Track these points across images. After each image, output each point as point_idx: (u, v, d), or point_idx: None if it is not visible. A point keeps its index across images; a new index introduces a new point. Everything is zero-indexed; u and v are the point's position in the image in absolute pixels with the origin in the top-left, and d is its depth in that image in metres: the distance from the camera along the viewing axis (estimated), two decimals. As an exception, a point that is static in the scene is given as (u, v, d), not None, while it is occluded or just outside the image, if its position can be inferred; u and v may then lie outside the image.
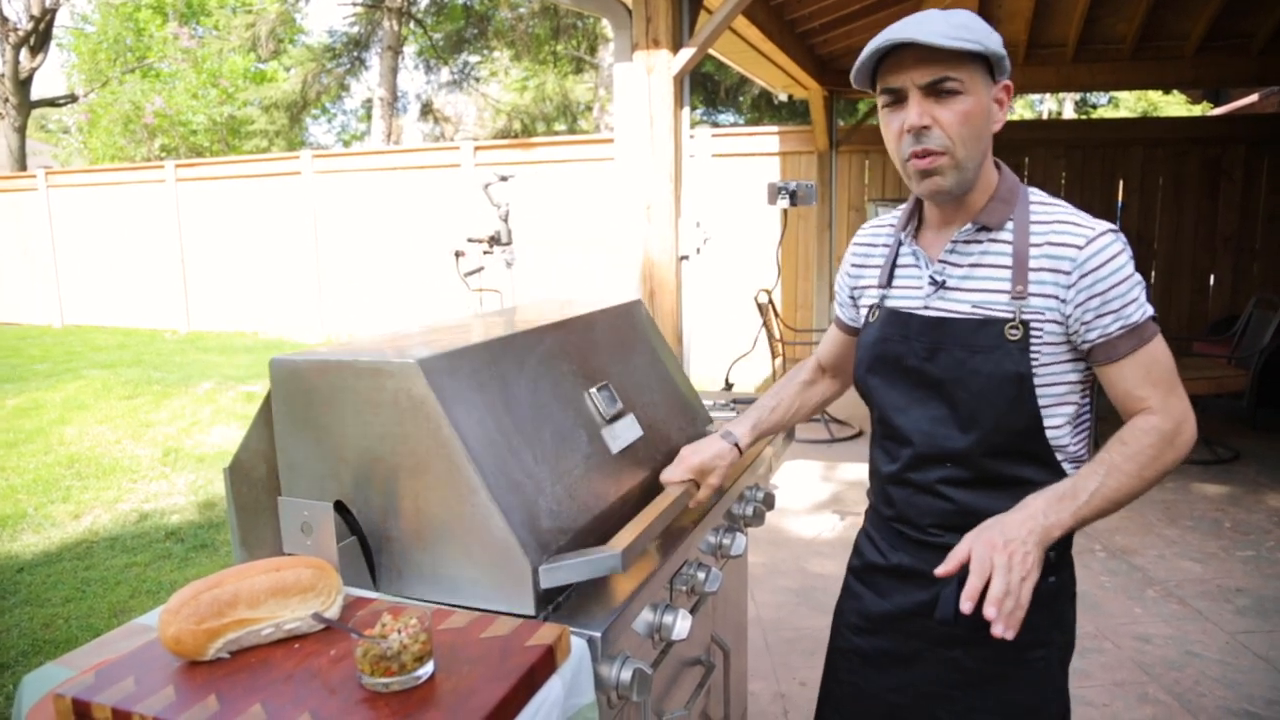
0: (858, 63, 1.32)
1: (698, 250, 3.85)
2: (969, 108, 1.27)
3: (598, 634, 1.23)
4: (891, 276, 1.48)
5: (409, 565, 1.32)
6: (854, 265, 1.58)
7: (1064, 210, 1.34)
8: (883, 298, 1.48)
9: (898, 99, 1.30)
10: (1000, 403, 1.33)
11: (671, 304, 3.73)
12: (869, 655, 1.60)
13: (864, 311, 1.54)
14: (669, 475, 1.60)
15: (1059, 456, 1.40)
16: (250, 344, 10.22)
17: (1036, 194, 1.38)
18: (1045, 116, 19.12)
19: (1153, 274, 7.55)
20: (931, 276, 1.40)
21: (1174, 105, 16.65)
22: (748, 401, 2.72)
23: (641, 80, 3.57)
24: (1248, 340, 5.60)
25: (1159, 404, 1.30)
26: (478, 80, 17.83)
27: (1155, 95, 17.09)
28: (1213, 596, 3.55)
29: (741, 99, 15.92)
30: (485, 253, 3.84)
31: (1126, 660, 3.08)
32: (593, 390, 1.64)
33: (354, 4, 15.46)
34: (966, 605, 1.15)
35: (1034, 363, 1.31)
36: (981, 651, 1.44)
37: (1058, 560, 1.44)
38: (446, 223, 9.61)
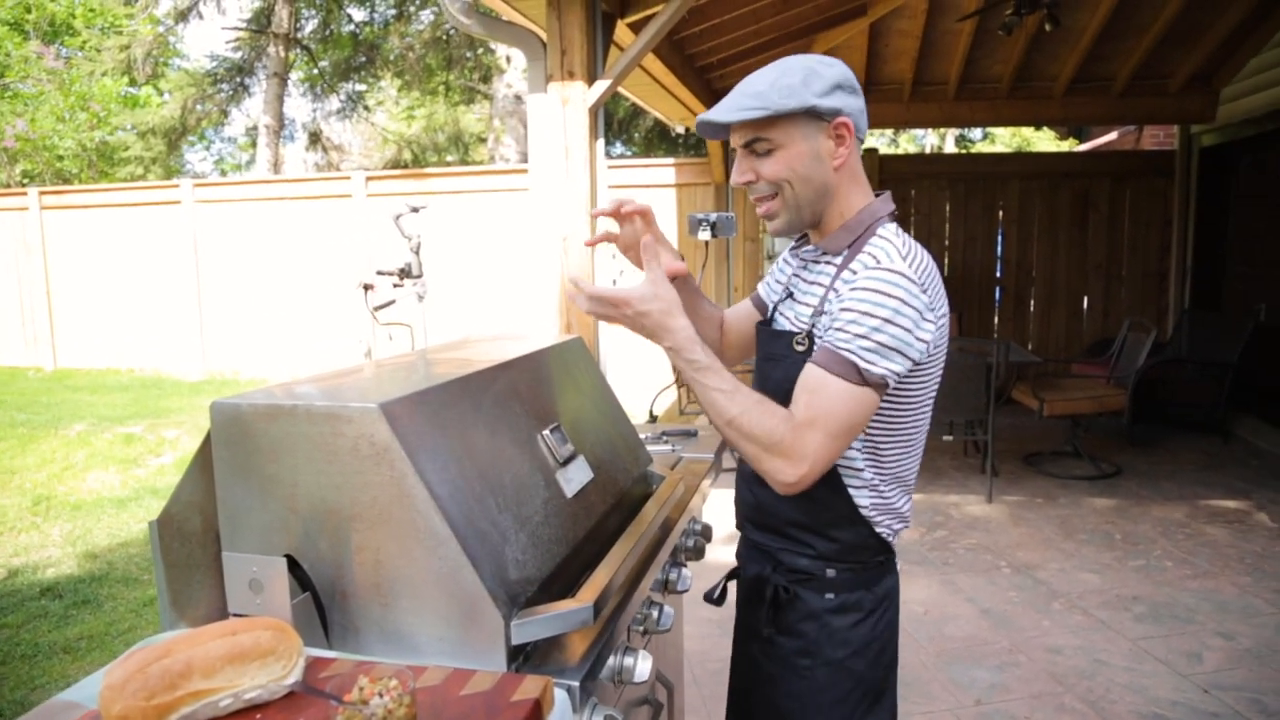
0: (697, 129, 1.44)
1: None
2: (788, 155, 1.36)
3: (575, 683, 1.18)
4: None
5: (367, 622, 1.24)
6: (783, 260, 1.69)
7: (886, 247, 1.35)
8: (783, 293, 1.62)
9: (736, 154, 1.45)
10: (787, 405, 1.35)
11: (590, 337, 3.70)
12: (734, 639, 1.76)
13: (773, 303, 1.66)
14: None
15: (844, 475, 1.43)
16: (125, 382, 9.64)
17: (887, 231, 1.40)
18: (928, 150, 20.06)
19: (1032, 301, 7.97)
20: (786, 286, 1.57)
21: (1044, 141, 17.71)
22: (677, 433, 2.71)
23: (556, 111, 3.56)
24: (1124, 361, 5.96)
25: (800, 420, 1.29)
26: (368, 109, 17.47)
27: (1028, 131, 18.16)
28: (1112, 606, 3.73)
29: (634, 131, 16.10)
30: (395, 285, 3.72)
31: (1041, 672, 3.20)
32: (545, 432, 1.59)
33: (237, 29, 14.93)
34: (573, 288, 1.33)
35: None
36: (766, 648, 1.55)
37: (837, 580, 1.48)
38: (338, 255, 9.34)
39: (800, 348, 1.40)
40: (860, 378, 1.28)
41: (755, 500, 1.57)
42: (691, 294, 1.69)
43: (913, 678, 3.17)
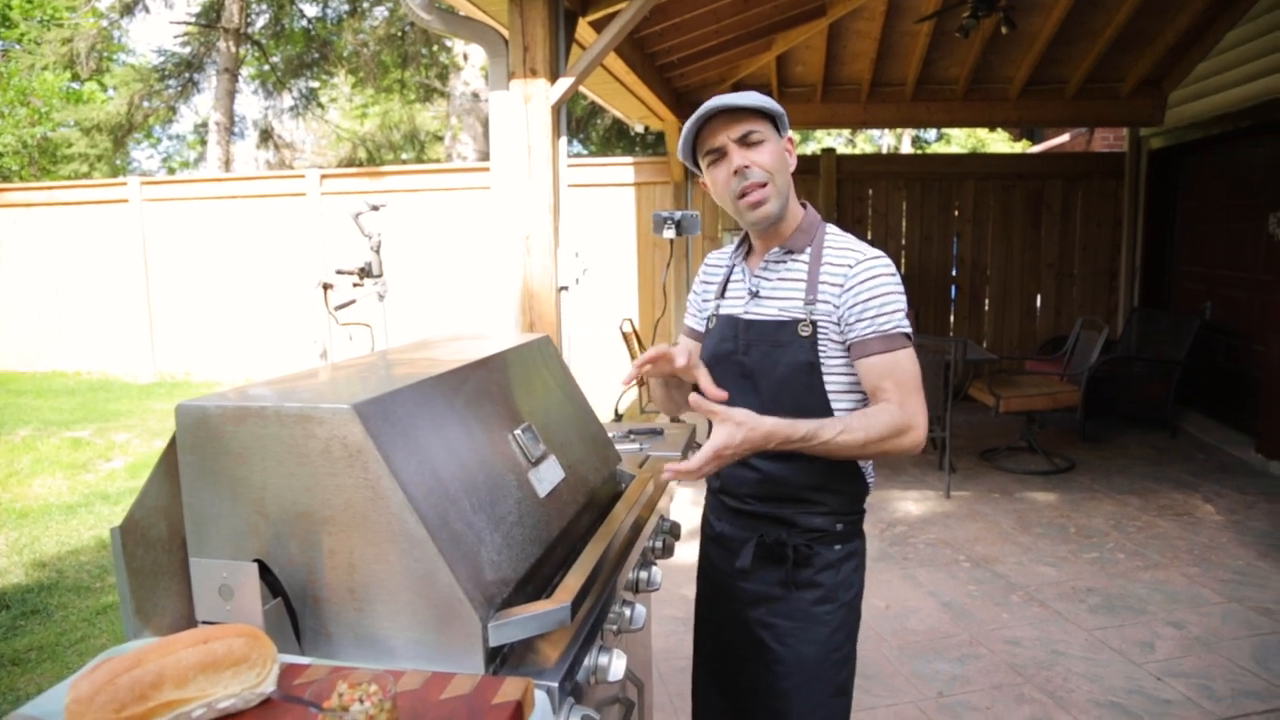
0: (685, 130, 1.67)
1: (577, 281, 3.83)
2: (773, 149, 1.65)
3: (554, 684, 1.18)
4: (724, 291, 1.82)
5: (340, 626, 1.22)
6: (702, 283, 1.92)
7: (849, 240, 1.70)
8: (718, 307, 1.81)
9: (719, 156, 1.66)
10: (797, 386, 1.66)
11: (552, 336, 3.68)
12: (710, 618, 1.92)
13: (705, 320, 1.85)
14: (638, 364, 1.64)
15: None
16: (72, 385, 9.38)
17: (832, 229, 1.74)
18: (885, 151, 20.29)
19: (987, 300, 8.10)
20: (749, 288, 1.75)
21: (998, 142, 17.99)
22: (644, 432, 2.71)
23: (519, 109, 3.53)
24: (1077, 359, 6.08)
25: (897, 399, 1.58)
26: (321, 107, 17.19)
27: (982, 133, 18.44)
28: (1068, 598, 3.80)
29: (592, 130, 16.06)
30: (355, 285, 3.67)
31: (1000, 664, 3.25)
32: (517, 431, 1.58)
33: (185, 23, 14.60)
34: (666, 474, 1.47)
35: (821, 354, 1.64)
36: (781, 607, 1.74)
37: (844, 531, 1.74)
38: (292, 254, 9.18)
39: (805, 333, 1.64)
40: (908, 340, 1.61)
41: (763, 475, 1.72)
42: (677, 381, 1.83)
43: (876, 671, 3.21)
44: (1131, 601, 3.76)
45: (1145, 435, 6.60)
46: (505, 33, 3.64)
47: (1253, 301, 6.09)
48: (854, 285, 1.61)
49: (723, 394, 1.56)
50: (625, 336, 6.53)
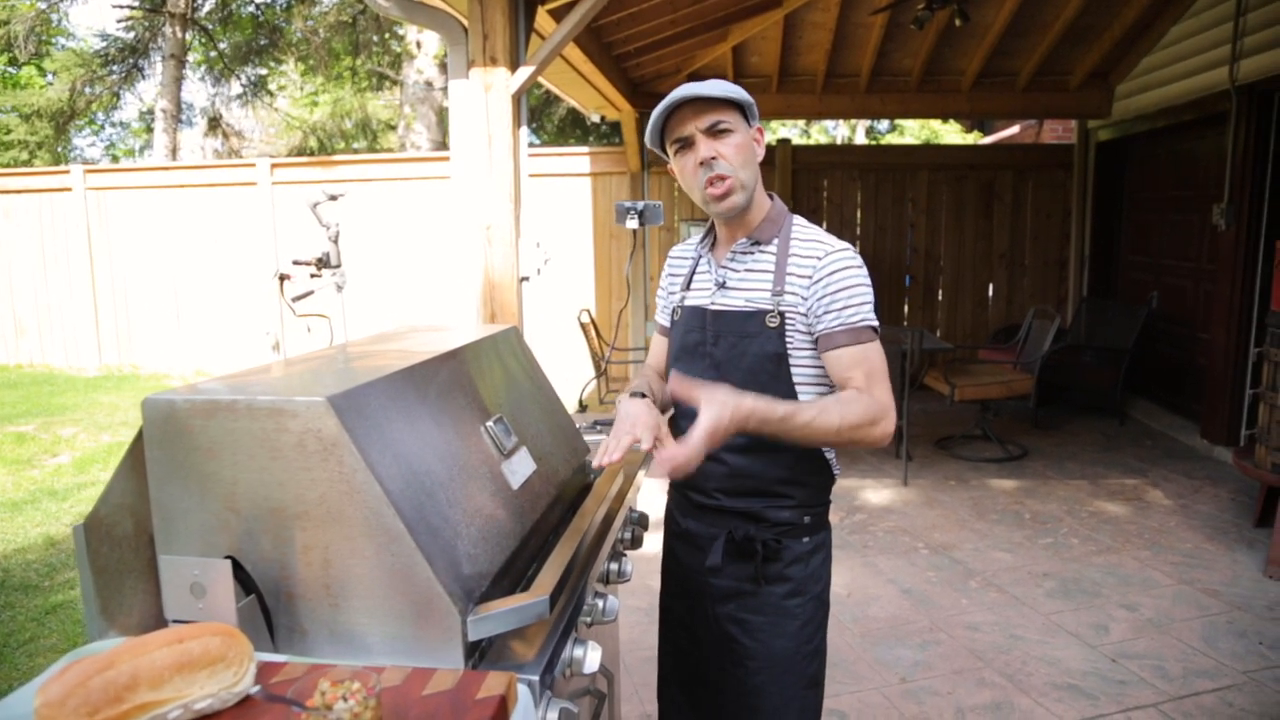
0: (654, 117, 1.66)
1: (538, 271, 3.81)
2: (740, 141, 1.65)
3: (535, 677, 1.17)
4: (690, 282, 1.82)
5: (315, 623, 1.20)
6: (668, 277, 1.92)
7: (816, 232, 1.71)
8: (683, 299, 1.81)
9: (686, 145, 1.65)
10: (764, 376, 1.65)
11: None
12: (678, 615, 1.91)
13: (671, 313, 1.85)
14: (614, 452, 1.49)
15: None
16: (14, 378, 9.11)
17: (799, 220, 1.75)
18: (840, 141, 20.45)
19: (940, 289, 8.22)
20: (716, 279, 1.74)
21: (951, 133, 18.24)
22: (609, 422, 2.70)
23: (479, 98, 3.49)
24: (1029, 347, 6.20)
25: (865, 387, 1.59)
26: (271, 94, 16.84)
27: (935, 124, 18.68)
28: (1025, 583, 3.88)
29: (546, 120, 15.95)
30: (313, 275, 3.60)
31: (961, 649, 3.31)
32: (489, 423, 1.57)
33: (129, 7, 14.18)
34: (660, 469, 1.48)
35: (788, 345, 1.65)
36: (752, 603, 1.74)
37: (812, 524, 1.75)
38: (242, 244, 9.00)
39: (773, 324, 1.64)
40: (875, 334, 1.63)
41: (731, 469, 1.70)
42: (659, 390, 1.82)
43: (839, 659, 3.25)
44: (1086, 585, 3.85)
45: (1095, 422, 6.76)
46: (464, 20, 3.59)
47: (1197, 291, 6.26)
48: (822, 277, 1.61)
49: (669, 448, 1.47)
50: (583, 327, 6.52)
